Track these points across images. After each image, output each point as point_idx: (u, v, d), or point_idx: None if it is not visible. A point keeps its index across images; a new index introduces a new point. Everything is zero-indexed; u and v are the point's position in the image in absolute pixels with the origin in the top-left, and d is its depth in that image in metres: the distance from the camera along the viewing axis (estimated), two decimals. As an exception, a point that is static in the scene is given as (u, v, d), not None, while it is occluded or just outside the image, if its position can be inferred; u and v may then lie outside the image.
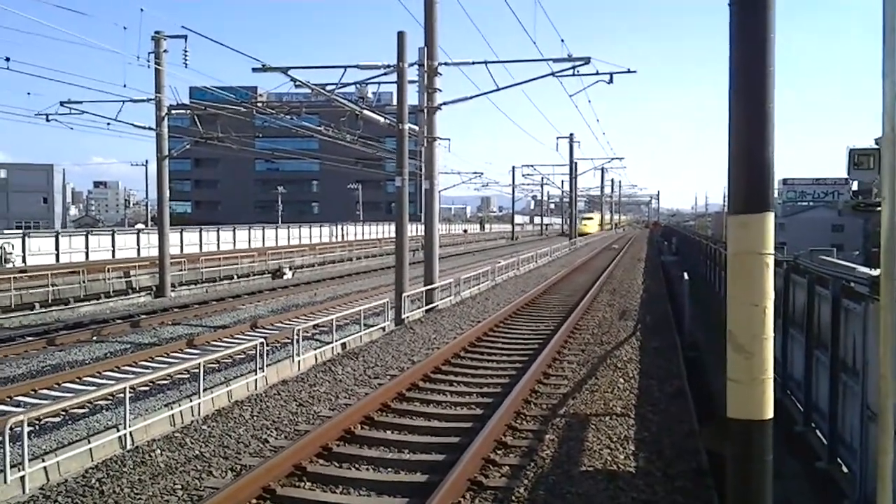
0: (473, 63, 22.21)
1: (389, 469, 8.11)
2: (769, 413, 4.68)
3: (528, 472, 7.67)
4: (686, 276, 20.88)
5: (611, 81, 22.39)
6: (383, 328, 19.30)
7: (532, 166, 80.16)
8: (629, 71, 22.86)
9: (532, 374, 11.88)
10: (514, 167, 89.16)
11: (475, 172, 64.51)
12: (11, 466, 8.52)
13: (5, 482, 8.48)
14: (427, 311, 21.67)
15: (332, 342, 17.19)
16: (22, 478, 8.57)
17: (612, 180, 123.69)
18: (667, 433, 9.02)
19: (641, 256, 47.76)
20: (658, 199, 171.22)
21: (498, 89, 22.49)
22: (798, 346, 9.50)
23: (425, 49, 21.03)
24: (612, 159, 77.87)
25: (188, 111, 35.36)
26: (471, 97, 23.42)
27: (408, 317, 20.49)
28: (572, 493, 7.08)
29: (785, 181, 75.40)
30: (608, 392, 11.11)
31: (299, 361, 15.27)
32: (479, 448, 8.10)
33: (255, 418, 9.92)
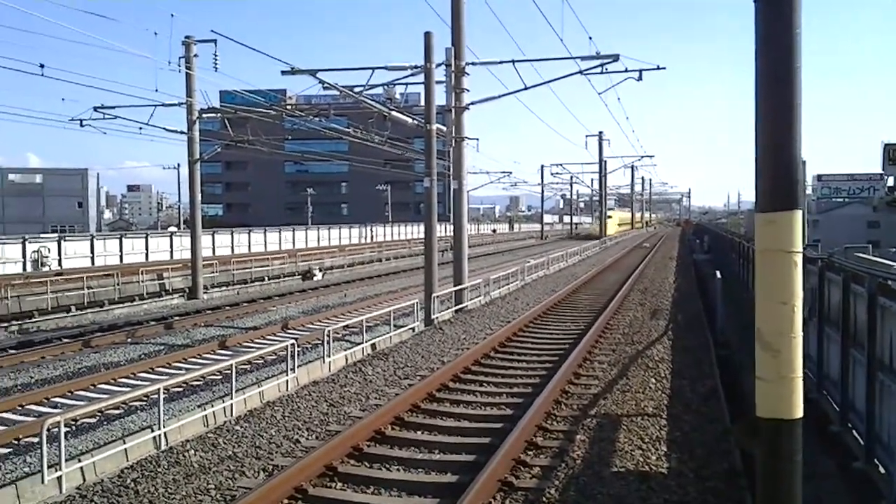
0: (501, 62, 22.15)
1: (420, 469, 8.12)
2: (798, 412, 4.64)
3: (559, 473, 7.64)
4: (718, 274, 20.66)
5: (640, 78, 22.21)
6: (413, 329, 19.33)
7: (561, 165, 79.71)
8: (658, 67, 22.67)
9: (562, 374, 11.83)
10: (542, 166, 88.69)
11: (504, 172, 64.60)
12: (49, 467, 8.65)
13: (43, 482, 8.62)
14: (456, 311, 21.67)
15: (362, 343, 17.26)
16: (59, 478, 8.70)
17: (643, 178, 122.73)
18: (699, 433, 8.93)
19: (673, 255, 47.32)
20: (689, 197, 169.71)
21: (526, 88, 22.41)
22: (834, 345, 9.35)
23: (452, 49, 21.02)
24: (643, 157, 77.44)
25: (219, 115, 35.72)
26: (498, 96, 23.40)
27: (437, 317, 20.49)
28: (603, 494, 7.04)
29: (819, 177, 74.30)
30: (639, 392, 11.02)
31: (330, 362, 15.36)
32: (510, 449, 8.08)
33: (286, 419, 10.00)
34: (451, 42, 21.20)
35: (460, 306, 22.06)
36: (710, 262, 38.66)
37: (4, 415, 12.35)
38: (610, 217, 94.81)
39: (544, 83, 22.79)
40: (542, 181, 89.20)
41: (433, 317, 20.45)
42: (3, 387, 14.40)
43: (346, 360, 15.93)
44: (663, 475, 7.57)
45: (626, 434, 8.89)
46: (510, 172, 64.79)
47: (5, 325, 23.87)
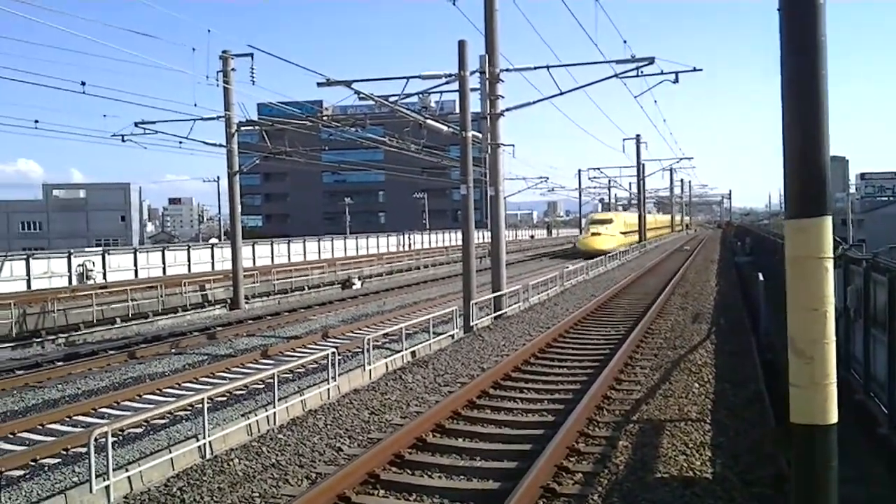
0: (535, 68, 22.07)
1: (462, 476, 8.12)
2: (833, 418, 4.61)
3: (602, 479, 7.58)
4: (761, 276, 20.32)
5: (676, 81, 22.02)
6: (452, 336, 19.34)
7: (598, 169, 79.18)
8: (695, 69, 22.45)
9: (604, 379, 11.74)
10: (580, 170, 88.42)
11: (541, 177, 64.43)
12: (96, 476, 8.81)
13: (91, 492, 8.79)
14: (495, 317, 21.63)
15: (401, 350, 17.31)
16: (107, 487, 8.86)
17: (682, 181, 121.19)
18: (744, 438, 8.79)
19: (714, 258, 46.72)
20: (730, 199, 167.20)
21: (561, 93, 22.30)
22: (881, 347, 9.15)
23: (486, 56, 21.04)
24: (681, 159, 76.09)
25: (257, 127, 36.19)
26: (533, 102, 23.29)
27: (476, 324, 20.48)
28: (647, 500, 6.96)
29: (863, 176, 72.96)
30: (682, 397, 10.89)
31: (370, 370, 15.43)
32: (552, 455, 8.04)
33: (328, 427, 10.07)
34: (485, 49, 21.22)
35: (499, 313, 22.02)
36: (753, 264, 38.07)
37: (53, 426, 12.63)
38: (608, 222, 65.02)
39: (579, 87, 22.69)
40: (580, 185, 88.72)
41: (472, 323, 20.44)
42: (51, 398, 14.72)
43: (387, 367, 15.99)
44: (708, 480, 7.46)
45: (670, 439, 8.79)
46: (547, 178, 64.73)
47: (53, 337, 24.41)
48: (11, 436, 12.01)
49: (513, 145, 30.74)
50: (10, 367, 18.72)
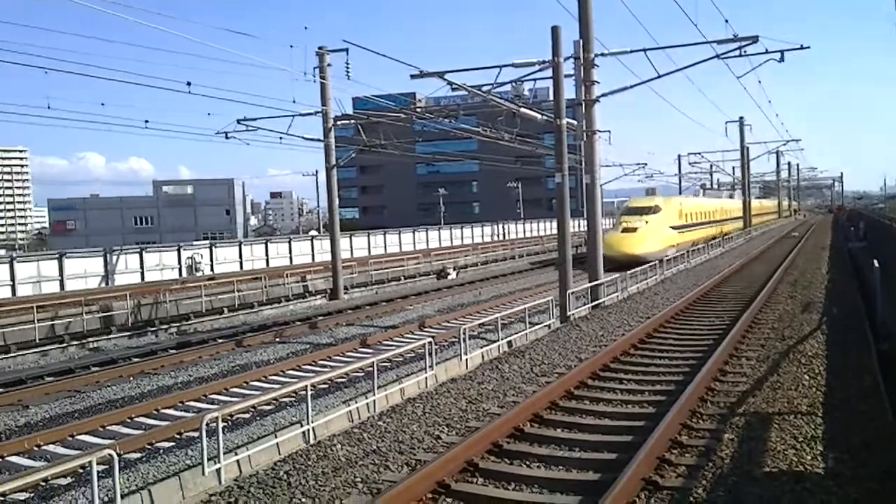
0: (632, 51, 21.58)
1: (560, 467, 8.07)
2: None
3: (706, 473, 7.38)
4: (876, 263, 19.30)
5: (782, 59, 21.05)
6: (548, 326, 19.19)
7: (699, 153, 76.62)
8: (802, 47, 21.41)
9: (707, 371, 11.41)
10: (679, 156, 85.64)
11: (638, 164, 62.71)
12: (208, 459, 9.20)
13: (203, 474, 9.18)
14: (593, 307, 21.35)
15: (498, 340, 17.29)
16: (218, 470, 9.23)
17: (789, 164, 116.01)
18: (859, 432, 8.38)
19: (825, 244, 44.66)
20: (841, 182, 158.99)
21: (659, 76, 21.71)
22: None
23: (581, 41, 20.70)
24: (788, 141, 72.78)
25: (352, 121, 36.78)
26: (630, 87, 22.73)
27: (573, 314, 20.25)
28: (754, 495, 6.74)
29: None
30: (792, 389, 10.47)
31: (467, 360, 15.49)
32: (654, 447, 7.88)
33: (426, 415, 10.18)
34: (579, 34, 20.89)
35: (596, 302, 21.71)
36: (867, 249, 36.18)
37: (167, 411, 13.25)
38: (651, 211, 42.48)
39: (678, 70, 22.02)
40: (680, 171, 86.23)
41: (569, 313, 20.22)
42: (164, 385, 15.46)
43: (483, 357, 16.02)
44: (820, 476, 7.15)
45: (778, 433, 8.47)
46: (645, 164, 62.72)
47: (165, 326, 25.59)
48: (129, 420, 12.69)
49: (609, 131, 29.99)
50: (127, 354, 19.80)
